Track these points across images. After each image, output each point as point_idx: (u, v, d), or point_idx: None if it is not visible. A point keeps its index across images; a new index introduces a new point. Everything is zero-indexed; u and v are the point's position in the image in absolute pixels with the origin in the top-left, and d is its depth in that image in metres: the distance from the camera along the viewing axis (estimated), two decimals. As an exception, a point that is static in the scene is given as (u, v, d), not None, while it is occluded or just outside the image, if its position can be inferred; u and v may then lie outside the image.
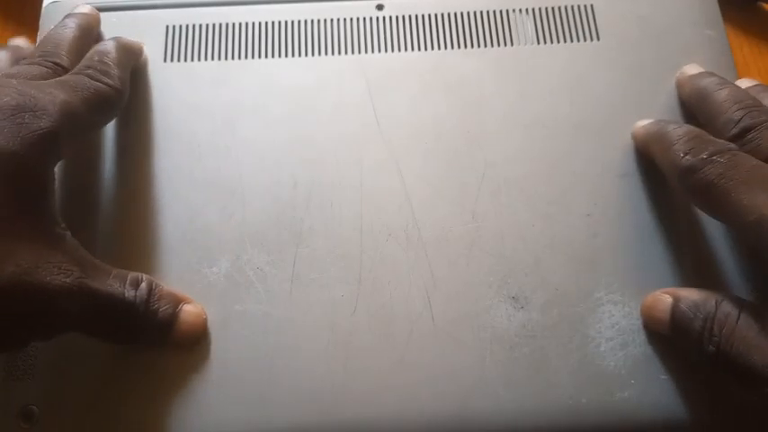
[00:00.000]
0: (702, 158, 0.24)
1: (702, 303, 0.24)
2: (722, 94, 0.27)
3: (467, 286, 0.28)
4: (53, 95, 0.24)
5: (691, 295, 0.25)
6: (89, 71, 0.27)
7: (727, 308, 0.23)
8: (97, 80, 0.27)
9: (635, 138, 0.30)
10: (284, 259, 0.28)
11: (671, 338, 0.26)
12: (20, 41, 0.31)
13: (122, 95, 0.28)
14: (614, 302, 0.27)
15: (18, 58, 0.29)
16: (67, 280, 0.23)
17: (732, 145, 0.25)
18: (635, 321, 0.27)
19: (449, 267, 0.28)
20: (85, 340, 0.24)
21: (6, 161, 0.22)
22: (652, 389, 0.26)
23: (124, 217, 0.29)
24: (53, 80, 0.26)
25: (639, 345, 0.27)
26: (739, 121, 0.26)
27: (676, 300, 0.25)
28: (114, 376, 0.26)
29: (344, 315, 0.27)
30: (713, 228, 0.29)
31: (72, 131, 0.25)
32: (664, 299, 0.26)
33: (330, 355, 0.27)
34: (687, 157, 0.25)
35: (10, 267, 0.21)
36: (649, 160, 0.29)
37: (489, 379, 0.26)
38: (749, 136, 0.25)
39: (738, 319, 0.23)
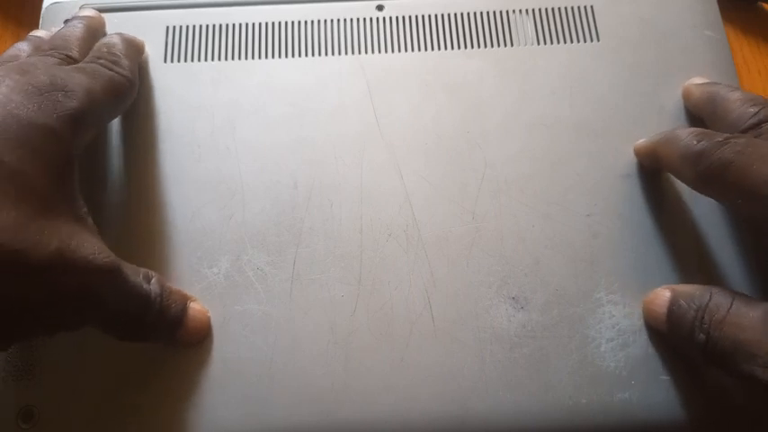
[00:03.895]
0: (718, 141, 0.24)
1: (698, 295, 0.24)
2: (735, 95, 0.28)
3: (467, 286, 0.28)
4: (79, 79, 0.25)
5: (687, 289, 0.25)
6: (101, 60, 0.27)
7: (720, 298, 0.24)
8: (109, 69, 0.27)
9: (638, 150, 0.30)
10: (284, 259, 0.28)
11: (667, 334, 0.26)
12: (41, 33, 0.31)
13: (134, 85, 0.28)
14: (614, 303, 0.27)
15: (39, 48, 0.29)
16: (107, 260, 0.22)
17: (745, 134, 0.25)
18: (635, 322, 0.27)
19: (449, 267, 0.28)
20: (85, 341, 0.24)
21: (48, 137, 0.22)
22: (652, 389, 0.26)
23: (124, 217, 0.29)
24: (71, 66, 0.26)
25: (640, 345, 0.27)
26: (756, 113, 0.26)
27: (675, 294, 0.25)
28: (114, 377, 0.26)
29: (344, 315, 0.27)
30: (713, 228, 0.29)
31: (94, 117, 0.25)
32: (663, 294, 0.26)
33: (330, 355, 0.27)
34: (702, 143, 0.25)
35: (55, 242, 0.21)
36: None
37: (489, 379, 0.26)
38: (765, 126, 0.25)
39: (730, 307, 0.23)
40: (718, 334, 0.23)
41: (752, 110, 0.26)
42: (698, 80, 0.31)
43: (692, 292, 0.25)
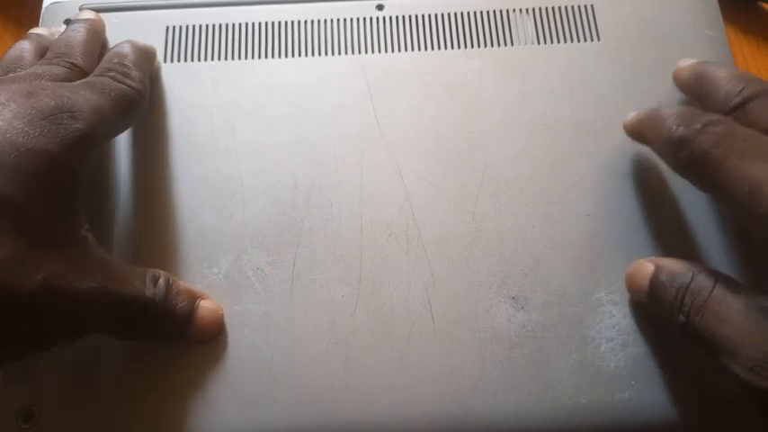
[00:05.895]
0: (696, 128, 0.24)
1: (680, 274, 0.24)
2: (722, 72, 0.27)
3: (467, 286, 0.28)
4: (87, 98, 0.25)
5: (670, 265, 0.25)
6: (111, 73, 0.27)
7: (702, 280, 0.23)
8: (120, 82, 0.27)
9: (627, 128, 0.28)
10: (284, 259, 0.28)
11: (649, 307, 0.26)
12: (42, 30, 0.31)
13: (144, 97, 0.28)
14: (614, 303, 0.27)
15: (42, 47, 0.29)
16: (93, 285, 0.23)
17: (726, 117, 0.24)
18: (635, 322, 0.27)
19: (449, 267, 0.28)
20: (86, 341, 0.24)
21: (47, 163, 0.22)
22: (652, 389, 0.26)
23: (124, 218, 0.29)
24: (80, 81, 0.26)
25: (640, 345, 0.27)
26: (741, 91, 0.25)
27: (657, 268, 0.25)
28: (113, 377, 0.26)
29: (344, 315, 0.27)
30: (713, 228, 0.29)
31: (102, 134, 0.25)
32: (646, 266, 0.26)
33: (330, 355, 0.27)
34: (680, 128, 0.24)
35: (42, 273, 0.21)
36: (649, 160, 0.29)
37: (489, 379, 0.26)
38: (750, 105, 0.25)
39: (711, 291, 0.23)
40: (697, 320, 0.22)
41: (738, 87, 0.26)
42: (687, 61, 0.30)
43: (675, 269, 0.24)
